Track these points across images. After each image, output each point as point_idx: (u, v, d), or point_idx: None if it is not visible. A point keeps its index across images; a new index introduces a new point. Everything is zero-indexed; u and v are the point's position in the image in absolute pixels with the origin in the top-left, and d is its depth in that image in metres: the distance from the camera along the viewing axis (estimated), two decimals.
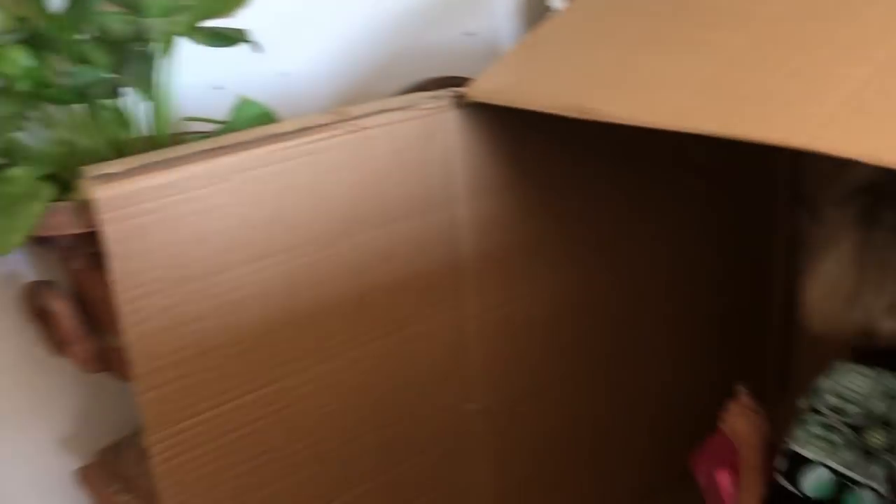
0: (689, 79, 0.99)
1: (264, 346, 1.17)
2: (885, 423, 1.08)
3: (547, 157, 1.42)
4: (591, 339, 1.60)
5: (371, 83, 1.93)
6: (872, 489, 1.07)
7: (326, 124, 1.15)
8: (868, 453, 1.08)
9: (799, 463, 1.10)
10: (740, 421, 1.34)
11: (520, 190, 1.41)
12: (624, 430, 1.72)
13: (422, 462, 1.42)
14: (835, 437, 1.10)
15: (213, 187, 1.05)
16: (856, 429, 1.09)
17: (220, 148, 1.06)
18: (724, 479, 1.34)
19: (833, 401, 1.11)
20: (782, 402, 1.49)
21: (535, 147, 1.40)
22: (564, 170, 1.45)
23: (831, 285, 1.18)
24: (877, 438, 1.08)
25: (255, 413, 1.19)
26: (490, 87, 1.23)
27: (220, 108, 1.32)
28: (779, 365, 2.00)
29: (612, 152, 1.51)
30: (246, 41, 1.25)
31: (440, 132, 1.28)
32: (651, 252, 1.64)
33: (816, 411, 1.12)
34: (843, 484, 1.08)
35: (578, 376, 1.61)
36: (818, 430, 1.11)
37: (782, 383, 1.98)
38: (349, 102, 1.73)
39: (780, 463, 1.15)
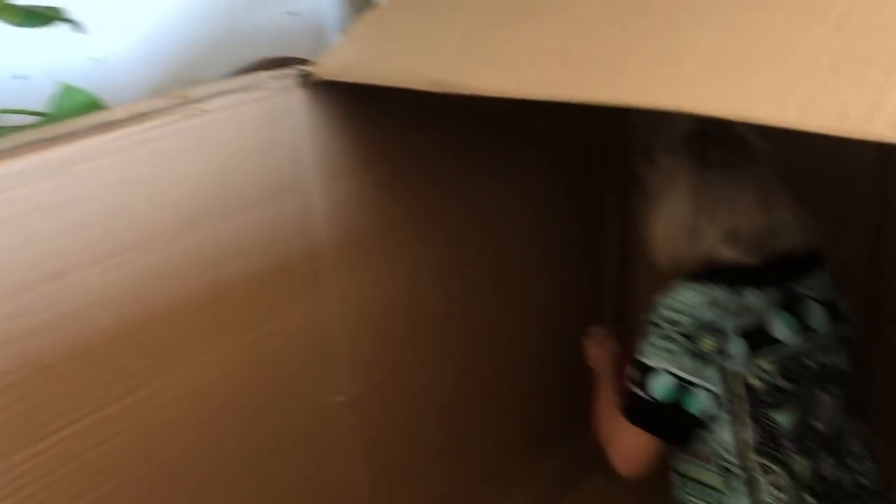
0: (546, 47, 0.98)
1: (111, 357, 1.06)
2: (713, 330, 1.19)
3: (397, 134, 1.39)
4: (449, 316, 1.59)
5: (194, 68, 1.81)
6: (707, 389, 1.19)
7: (164, 109, 1.06)
8: (702, 358, 1.19)
9: (646, 371, 1.22)
10: (595, 349, 1.54)
11: (372, 170, 1.36)
12: (488, 402, 1.73)
13: (292, 462, 1.35)
14: (672, 346, 1.20)
15: (40, 184, 0.93)
16: (689, 337, 1.19)
17: (45, 140, 0.94)
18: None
19: (668, 314, 1.22)
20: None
21: (385, 125, 1.36)
22: (415, 147, 1.42)
23: (674, 224, 1.28)
24: (707, 343, 1.19)
25: (105, 433, 1.07)
26: (338, 64, 1.18)
27: (23, 100, 1.18)
28: (618, 308, 2.07)
29: (460, 127, 1.50)
30: (64, 20, 1.12)
31: (287, 113, 1.21)
32: (500, 223, 1.65)
33: (655, 325, 1.23)
34: (682, 386, 1.20)
35: (441, 355, 1.59)
36: (658, 341, 1.22)
37: (621, 318, 2.05)
38: (172, 90, 1.62)
39: (633, 374, 1.25)
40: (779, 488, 1.21)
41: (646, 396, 1.22)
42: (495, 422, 1.77)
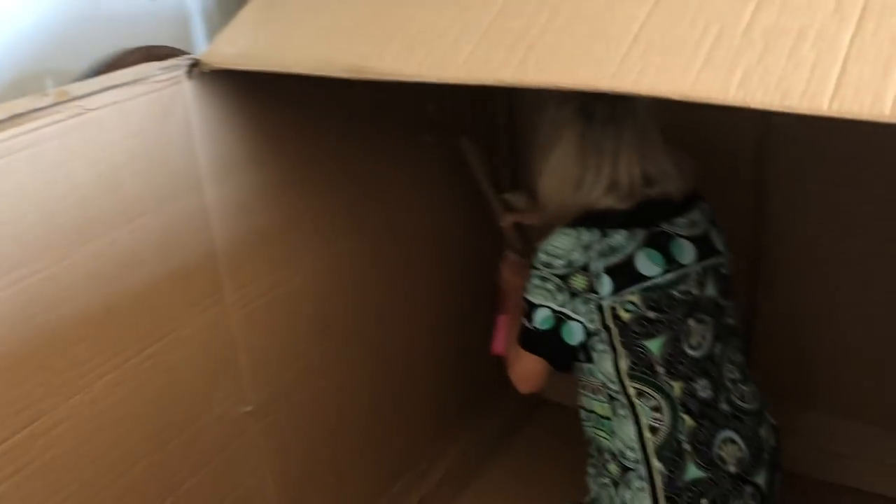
0: (465, 29, 0.95)
1: (4, 388, 0.94)
2: (583, 270, 1.30)
3: (294, 125, 1.31)
4: (356, 312, 1.54)
5: (49, 61, 1.64)
6: (581, 322, 1.32)
7: (42, 108, 0.94)
8: (575, 295, 1.30)
9: (530, 307, 1.34)
10: (508, 271, 1.60)
11: (270, 165, 1.29)
12: (397, 398, 1.69)
13: (202, 478, 1.26)
14: (549, 286, 1.32)
15: None
16: (562, 277, 1.31)
17: None
18: (501, 321, 1.61)
19: (544, 258, 1.33)
20: None
21: (281, 116, 1.29)
22: (314, 138, 1.36)
23: (561, 176, 1.35)
24: (579, 282, 1.30)
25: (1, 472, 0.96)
26: (233, 52, 1.09)
27: None
28: None
29: (360, 116, 1.45)
30: None
31: (177, 108, 1.12)
32: (401, 212, 1.61)
33: (535, 268, 1.35)
34: (559, 318, 1.32)
35: (349, 354, 1.54)
36: (538, 282, 1.34)
37: None
38: (25, 88, 1.46)
39: (523, 308, 1.37)
40: (657, 410, 1.30)
41: (531, 326, 1.34)
42: (404, 416, 1.73)
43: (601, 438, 1.36)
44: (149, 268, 1.12)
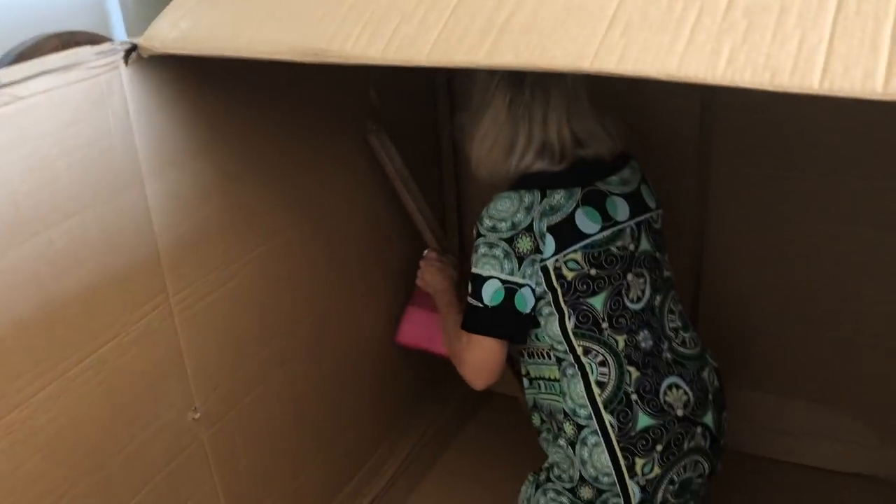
0: (431, 9, 0.90)
1: None
2: (528, 231, 1.30)
3: (235, 113, 1.24)
4: (302, 307, 1.47)
5: None
6: (530, 287, 1.31)
7: None
8: (522, 258, 1.30)
9: (478, 281, 1.31)
10: (430, 272, 1.59)
11: (212, 155, 1.21)
12: (345, 393, 1.64)
13: (151, 491, 1.19)
14: (497, 252, 1.31)
15: None
16: (508, 241, 1.30)
17: None
18: (413, 312, 1.68)
19: (489, 223, 1.32)
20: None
21: (221, 104, 1.21)
22: (256, 127, 1.29)
23: (491, 141, 1.36)
24: (524, 244, 1.30)
25: None
26: (174, 36, 1.01)
27: None
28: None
29: (302, 104, 1.38)
30: None
31: (114, 96, 1.03)
32: (346, 200, 1.56)
33: (481, 235, 1.33)
34: (510, 288, 1.31)
35: (297, 352, 1.48)
36: (484, 250, 1.32)
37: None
38: None
39: (468, 287, 1.34)
40: (603, 365, 1.33)
41: (480, 304, 1.31)
42: (353, 412, 1.68)
43: (552, 402, 1.37)
44: (89, 269, 1.03)
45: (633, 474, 1.32)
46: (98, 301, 1.06)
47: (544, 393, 1.39)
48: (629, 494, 1.33)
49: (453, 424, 2.01)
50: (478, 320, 1.33)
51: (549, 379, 1.37)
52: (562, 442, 1.37)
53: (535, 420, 1.44)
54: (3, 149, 0.90)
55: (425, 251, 1.65)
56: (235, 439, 1.35)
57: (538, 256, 1.30)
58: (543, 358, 1.37)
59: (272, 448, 1.45)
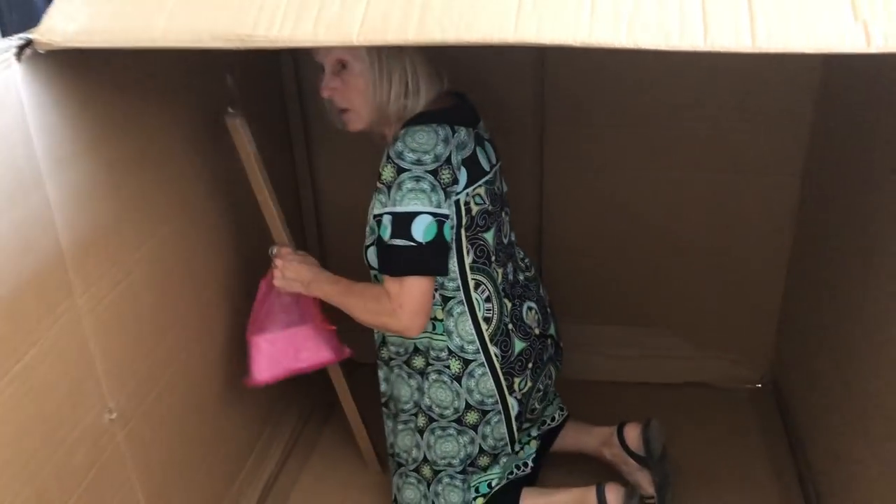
0: None
1: None
2: (448, 163, 1.34)
3: (122, 105, 1.22)
4: (191, 298, 1.47)
5: None
6: (450, 218, 1.35)
7: None
8: (444, 190, 1.34)
9: (406, 219, 1.31)
10: (292, 267, 1.50)
11: (105, 149, 1.19)
12: (237, 378, 1.65)
13: (81, 496, 1.16)
14: (423, 185, 1.32)
15: None
16: (433, 173, 1.33)
17: None
18: (258, 342, 1.53)
19: (412, 156, 1.32)
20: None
21: (109, 97, 1.19)
22: (142, 118, 1.27)
23: (393, 80, 1.37)
24: (446, 176, 1.34)
25: None
26: (73, 29, 0.99)
27: None
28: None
29: (171, 94, 1.38)
30: None
31: (10, 95, 1.00)
32: (222, 186, 1.56)
33: (405, 170, 1.32)
34: (440, 221, 1.33)
35: (192, 343, 1.48)
36: (411, 185, 1.32)
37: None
38: None
39: (383, 229, 1.33)
40: (488, 301, 1.46)
41: (413, 243, 1.32)
42: (245, 398, 1.70)
43: (436, 341, 1.47)
44: (7, 275, 1.00)
45: (511, 391, 1.50)
46: (18, 308, 1.02)
47: (428, 335, 1.47)
48: (509, 409, 1.50)
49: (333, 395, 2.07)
50: (411, 260, 1.32)
51: (434, 319, 1.45)
52: (445, 378, 1.48)
53: (408, 358, 1.51)
54: None
55: (273, 249, 1.55)
56: (145, 437, 1.33)
57: (455, 188, 1.35)
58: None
59: (180, 439, 1.45)
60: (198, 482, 1.53)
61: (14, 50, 1.00)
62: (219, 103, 1.50)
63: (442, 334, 1.47)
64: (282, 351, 1.57)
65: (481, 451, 1.54)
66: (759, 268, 1.97)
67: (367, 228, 1.46)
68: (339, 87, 1.40)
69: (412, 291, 1.35)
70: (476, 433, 1.52)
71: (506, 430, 1.53)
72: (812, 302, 1.79)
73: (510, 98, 1.86)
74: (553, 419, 1.76)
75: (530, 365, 1.52)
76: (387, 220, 1.34)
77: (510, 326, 1.49)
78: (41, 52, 1.01)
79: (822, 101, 1.75)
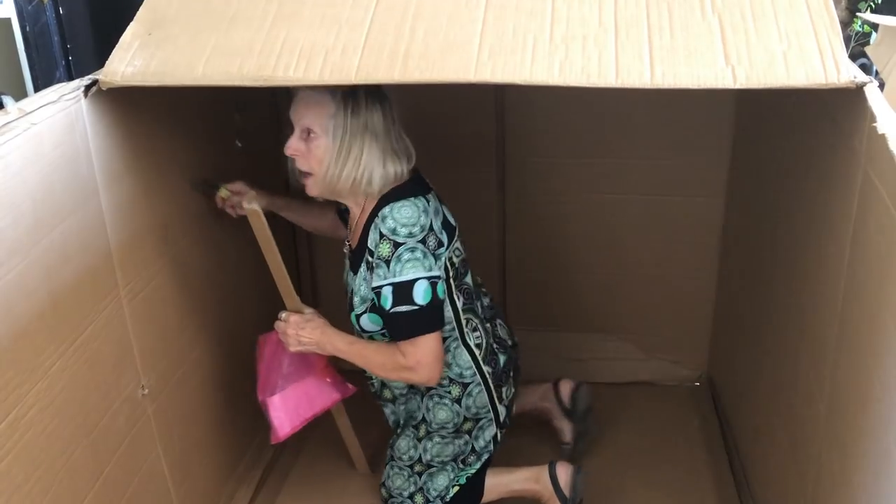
0: (348, 45, 1.23)
1: None
2: (431, 230, 1.51)
3: (160, 136, 1.50)
4: (208, 297, 1.73)
5: None
6: (442, 278, 1.53)
7: (8, 122, 1.07)
8: (433, 255, 1.50)
9: (407, 287, 1.48)
10: (307, 331, 1.60)
11: (144, 171, 1.46)
12: (245, 371, 1.88)
13: (118, 460, 1.40)
14: (417, 255, 1.49)
15: None
16: (423, 241, 1.49)
17: None
18: (273, 402, 1.65)
19: (404, 230, 1.48)
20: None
21: (150, 129, 1.47)
22: (163, 148, 1.54)
23: (373, 153, 1.49)
24: (432, 242, 1.51)
25: None
26: (131, 71, 1.27)
27: None
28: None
29: (203, 127, 1.66)
30: None
31: (78, 121, 1.26)
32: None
33: (400, 244, 1.48)
34: (433, 283, 1.51)
35: (203, 336, 1.73)
36: (407, 256, 1.48)
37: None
38: None
39: (384, 300, 1.48)
40: (476, 330, 1.67)
41: (416, 307, 1.49)
42: (246, 387, 1.93)
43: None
44: (72, 268, 1.25)
45: (500, 400, 1.73)
46: (80, 293, 1.27)
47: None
48: (499, 414, 1.73)
49: None
50: (419, 322, 1.49)
51: None
52: (447, 401, 1.67)
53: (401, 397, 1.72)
54: (27, 167, 1.12)
55: (282, 314, 1.62)
56: (168, 413, 1.57)
57: (441, 251, 1.54)
58: None
59: (195, 419, 1.69)
60: (211, 457, 1.77)
61: (83, 88, 1.27)
62: (228, 136, 1.78)
63: (443, 367, 1.63)
64: (296, 403, 1.69)
65: (472, 450, 1.75)
66: (692, 278, 2.27)
67: (356, 298, 1.59)
68: (301, 151, 1.52)
69: (425, 348, 1.52)
70: (470, 437, 1.73)
71: (494, 433, 1.74)
72: (739, 307, 2.08)
73: (475, 132, 2.15)
74: None
75: (511, 373, 1.75)
76: (387, 290, 1.49)
77: (494, 346, 1.72)
78: (104, 89, 1.28)
79: (738, 132, 2.07)
